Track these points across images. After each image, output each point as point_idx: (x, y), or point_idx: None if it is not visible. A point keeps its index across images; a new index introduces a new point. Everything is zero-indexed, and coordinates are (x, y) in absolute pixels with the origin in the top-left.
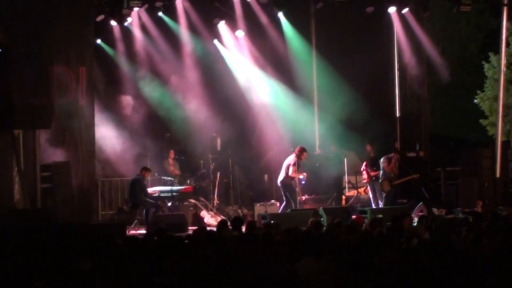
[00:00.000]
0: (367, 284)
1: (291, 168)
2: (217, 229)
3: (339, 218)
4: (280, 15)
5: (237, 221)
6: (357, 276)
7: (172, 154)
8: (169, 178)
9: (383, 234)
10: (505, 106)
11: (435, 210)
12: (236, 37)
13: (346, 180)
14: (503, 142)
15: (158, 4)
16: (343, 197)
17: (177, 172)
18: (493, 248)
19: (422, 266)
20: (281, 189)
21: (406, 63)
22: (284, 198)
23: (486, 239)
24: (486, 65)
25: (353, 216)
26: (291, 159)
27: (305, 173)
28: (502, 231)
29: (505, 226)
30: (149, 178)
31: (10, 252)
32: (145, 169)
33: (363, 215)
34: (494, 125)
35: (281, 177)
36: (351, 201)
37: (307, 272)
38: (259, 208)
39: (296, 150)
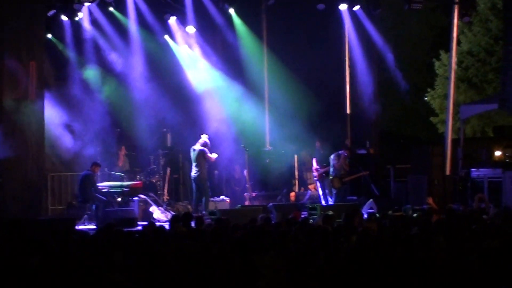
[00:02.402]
0: (313, 281)
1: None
2: (170, 224)
3: (290, 215)
4: (231, 11)
5: (187, 217)
6: (304, 272)
7: (123, 150)
8: (119, 173)
9: (334, 231)
10: (455, 104)
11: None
12: (187, 33)
13: (296, 177)
14: (453, 140)
15: None
16: (293, 193)
17: (127, 167)
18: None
19: (368, 263)
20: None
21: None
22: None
23: (440, 236)
24: (436, 63)
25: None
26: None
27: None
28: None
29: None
30: (99, 173)
31: None
32: (95, 164)
33: (313, 212)
34: (444, 122)
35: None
36: (307, 197)
37: (256, 268)
38: (209, 204)
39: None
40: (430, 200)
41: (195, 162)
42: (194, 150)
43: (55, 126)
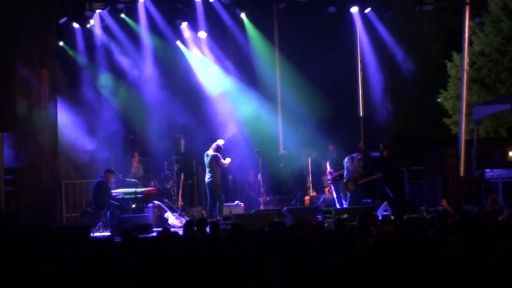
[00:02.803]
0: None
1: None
2: (184, 230)
3: (304, 219)
4: (243, 15)
5: (201, 222)
6: (318, 277)
7: (137, 156)
8: (133, 180)
9: (348, 233)
10: (468, 105)
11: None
12: (198, 38)
13: (310, 180)
14: (466, 141)
15: (120, 6)
16: (307, 197)
17: (141, 173)
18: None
19: (385, 265)
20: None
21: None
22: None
23: (455, 237)
24: (449, 64)
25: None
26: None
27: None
28: (470, 229)
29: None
30: (113, 180)
31: None
32: (109, 171)
33: (327, 215)
34: (458, 124)
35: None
36: (321, 201)
37: (270, 272)
38: (224, 209)
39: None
40: (444, 203)
41: (208, 167)
42: (207, 155)
43: (68, 133)
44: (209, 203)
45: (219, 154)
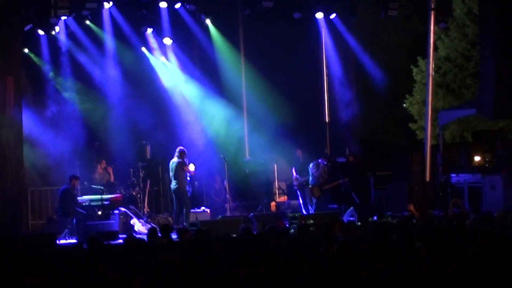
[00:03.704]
0: None
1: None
2: (148, 237)
3: (270, 224)
4: (208, 22)
5: (166, 229)
6: (286, 283)
7: (103, 163)
8: (99, 187)
9: (314, 239)
10: (434, 110)
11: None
12: (164, 44)
13: (277, 186)
14: (432, 146)
15: (85, 12)
16: (273, 203)
17: (106, 180)
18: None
19: (349, 271)
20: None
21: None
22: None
23: (419, 242)
24: (414, 70)
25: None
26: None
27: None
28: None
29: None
30: (79, 187)
31: None
32: (74, 177)
33: (294, 221)
34: (423, 129)
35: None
36: (286, 206)
37: (238, 279)
38: (190, 216)
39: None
40: (411, 207)
41: (173, 174)
42: (172, 162)
43: (34, 140)
44: (176, 209)
45: (183, 161)
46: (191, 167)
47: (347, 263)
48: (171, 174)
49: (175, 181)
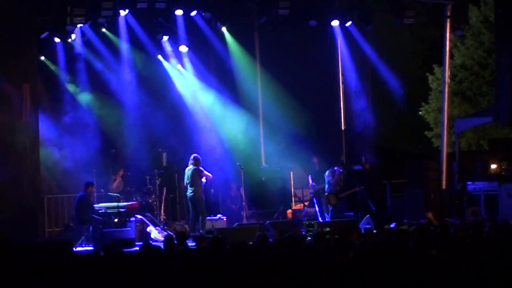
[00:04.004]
0: None
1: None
2: (164, 244)
3: (288, 232)
4: (224, 29)
5: (182, 236)
6: None
7: (121, 171)
8: (116, 194)
9: (330, 247)
10: (450, 118)
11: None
12: (180, 52)
13: (293, 194)
14: (448, 154)
15: (101, 20)
16: (289, 210)
17: (122, 188)
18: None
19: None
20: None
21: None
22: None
23: (435, 250)
24: (430, 77)
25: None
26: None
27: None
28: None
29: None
30: (95, 194)
31: None
32: (89, 184)
33: (310, 229)
34: (439, 137)
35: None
36: (303, 214)
37: (254, 287)
38: (206, 223)
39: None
40: (430, 215)
41: (189, 181)
42: (188, 170)
43: (50, 147)
44: (192, 217)
45: (201, 168)
46: (210, 174)
47: (363, 271)
48: (186, 181)
49: (190, 188)
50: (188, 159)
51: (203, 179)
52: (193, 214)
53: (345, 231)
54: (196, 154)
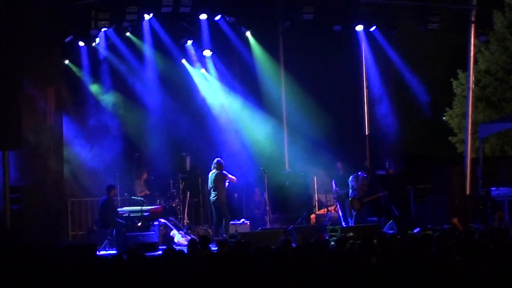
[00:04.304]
0: None
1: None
2: (188, 248)
3: (311, 238)
4: (248, 34)
5: (205, 240)
6: None
7: (145, 175)
8: (139, 198)
9: (353, 252)
10: (474, 123)
11: None
12: (204, 56)
13: (316, 199)
14: (472, 159)
15: (126, 24)
16: (313, 215)
17: (147, 192)
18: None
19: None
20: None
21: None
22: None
23: (459, 256)
24: (454, 83)
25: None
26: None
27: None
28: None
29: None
30: (118, 197)
31: None
32: (111, 187)
33: (333, 234)
34: (463, 142)
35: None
36: (327, 219)
37: None
38: (229, 228)
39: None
40: (456, 221)
41: (213, 185)
42: (211, 174)
43: (74, 151)
44: (215, 221)
45: (225, 172)
46: (234, 177)
47: (386, 276)
48: (210, 186)
49: (214, 192)
50: (212, 163)
51: (226, 183)
52: (216, 218)
53: (366, 236)
54: (219, 158)
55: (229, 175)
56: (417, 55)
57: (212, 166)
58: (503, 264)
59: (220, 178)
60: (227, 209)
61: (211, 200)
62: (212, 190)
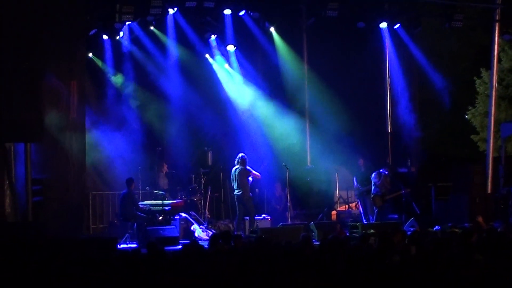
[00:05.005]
0: None
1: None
2: (209, 243)
3: (332, 234)
4: (272, 29)
5: (226, 235)
6: None
7: (165, 167)
8: (160, 192)
9: (374, 250)
10: (496, 122)
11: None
12: (227, 51)
13: (337, 195)
14: (494, 158)
15: (150, 18)
16: (334, 212)
17: (166, 185)
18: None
19: (404, 282)
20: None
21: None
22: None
23: (478, 255)
24: (477, 81)
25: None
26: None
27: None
28: (496, 246)
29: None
30: (140, 192)
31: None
32: (131, 181)
33: (354, 230)
34: (485, 141)
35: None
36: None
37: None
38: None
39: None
40: (480, 219)
41: (237, 181)
42: (235, 169)
43: (96, 144)
44: (238, 216)
45: (248, 167)
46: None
47: (406, 274)
48: (233, 181)
49: (238, 188)
50: (234, 159)
51: (250, 178)
52: (239, 214)
53: (387, 233)
54: (242, 154)
55: (253, 171)
56: (441, 53)
57: (236, 162)
58: None
59: (244, 173)
60: (253, 205)
61: (236, 195)
62: (236, 186)
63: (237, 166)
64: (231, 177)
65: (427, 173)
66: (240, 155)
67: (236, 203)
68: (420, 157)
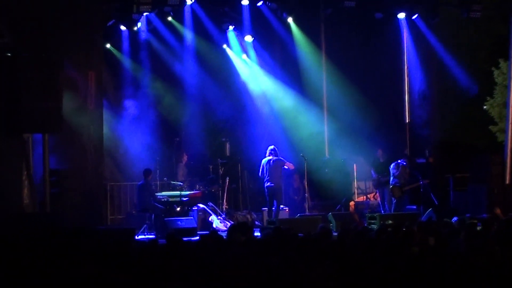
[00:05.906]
0: None
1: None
2: (227, 234)
3: (350, 224)
4: (290, 20)
5: (244, 226)
6: (362, 283)
7: (185, 158)
8: (178, 183)
9: (392, 240)
10: None
11: None
12: (245, 42)
13: (355, 186)
14: None
15: (167, 9)
16: (352, 202)
17: (185, 176)
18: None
19: (423, 274)
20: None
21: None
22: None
23: (497, 246)
24: (495, 72)
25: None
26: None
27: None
28: None
29: None
30: (158, 182)
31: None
32: (148, 171)
33: (372, 221)
34: (504, 131)
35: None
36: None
37: (314, 278)
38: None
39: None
40: (498, 211)
41: (272, 172)
42: (270, 160)
43: (114, 135)
44: (269, 207)
45: (281, 158)
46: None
47: (425, 265)
48: (264, 172)
49: (274, 179)
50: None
51: (286, 166)
52: (270, 204)
53: (407, 224)
54: (273, 146)
55: (287, 162)
56: (458, 43)
57: (268, 153)
58: None
59: (280, 164)
60: (282, 195)
61: (268, 186)
62: (267, 176)
63: (270, 157)
64: (262, 168)
65: (445, 163)
66: (271, 146)
67: (268, 193)
68: (438, 148)
